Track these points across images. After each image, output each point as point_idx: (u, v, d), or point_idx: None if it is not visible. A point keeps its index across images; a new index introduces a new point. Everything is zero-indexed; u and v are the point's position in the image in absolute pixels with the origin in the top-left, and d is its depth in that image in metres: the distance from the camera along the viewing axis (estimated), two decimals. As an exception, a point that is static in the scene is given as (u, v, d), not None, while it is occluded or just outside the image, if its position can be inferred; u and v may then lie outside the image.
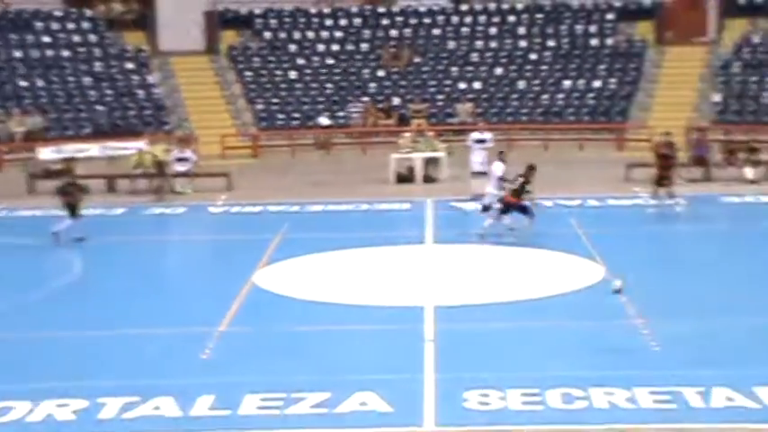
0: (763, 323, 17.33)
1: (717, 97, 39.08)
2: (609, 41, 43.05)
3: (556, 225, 25.65)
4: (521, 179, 23.71)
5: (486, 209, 24.97)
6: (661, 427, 13.28)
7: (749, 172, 30.98)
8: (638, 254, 22.72)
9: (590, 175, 33.08)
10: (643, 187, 30.24)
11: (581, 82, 41.88)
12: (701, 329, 17.14)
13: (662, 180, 26.81)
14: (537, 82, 42.45)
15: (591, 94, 41.31)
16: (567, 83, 42.02)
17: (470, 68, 43.68)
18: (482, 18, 45.40)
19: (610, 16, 43.70)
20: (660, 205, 26.90)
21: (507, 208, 23.82)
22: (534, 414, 13.66)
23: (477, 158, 29.64)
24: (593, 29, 43.66)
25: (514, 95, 42.17)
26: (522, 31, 44.45)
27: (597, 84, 41.59)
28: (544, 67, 42.93)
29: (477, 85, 42.95)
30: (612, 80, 41.52)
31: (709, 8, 43.53)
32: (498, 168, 25.08)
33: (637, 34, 43.12)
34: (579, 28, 43.79)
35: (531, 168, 23.91)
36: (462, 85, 43.04)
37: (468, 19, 45.49)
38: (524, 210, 23.65)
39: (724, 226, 25.92)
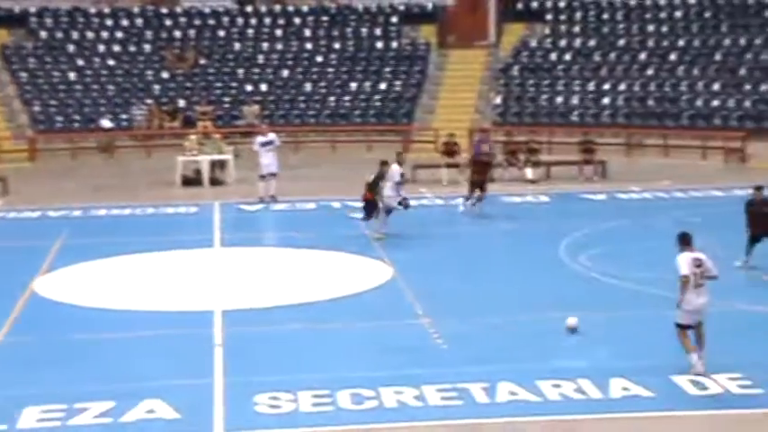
0: (543, 319, 17.93)
1: (497, 99, 40.29)
2: (393, 44, 43.75)
3: (345, 226, 25.84)
4: (373, 176, 23.96)
5: (388, 212, 24.99)
6: (448, 424, 13.55)
7: (529, 172, 32.03)
8: (425, 254, 23.13)
9: (377, 177, 33.45)
10: (429, 188, 30.85)
11: (367, 84, 42.38)
12: (486, 327, 17.59)
13: (476, 183, 27.23)
14: (323, 84, 42.72)
15: (377, 97, 41.87)
16: (353, 85, 42.46)
17: (256, 70, 43.56)
18: (267, 20, 45.34)
19: (394, 19, 44.41)
20: (473, 207, 27.29)
21: (369, 206, 23.97)
22: (325, 415, 13.70)
23: (266, 161, 29.59)
24: (377, 32, 44.27)
25: (301, 97, 42.30)
26: (307, 33, 44.64)
27: (383, 86, 42.19)
28: (330, 70, 43.24)
29: (263, 87, 42.86)
30: (398, 82, 42.21)
31: (489, 13, 44.85)
32: (396, 172, 25.01)
33: (420, 37, 43.97)
34: (364, 31, 44.33)
35: (384, 164, 24.29)
36: (249, 87, 42.87)
37: (254, 21, 45.36)
38: (371, 208, 23.78)
39: (506, 226, 26.69)
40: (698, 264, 14.93)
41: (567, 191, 30.53)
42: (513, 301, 19.12)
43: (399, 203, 24.53)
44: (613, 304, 18.88)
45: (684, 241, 15.12)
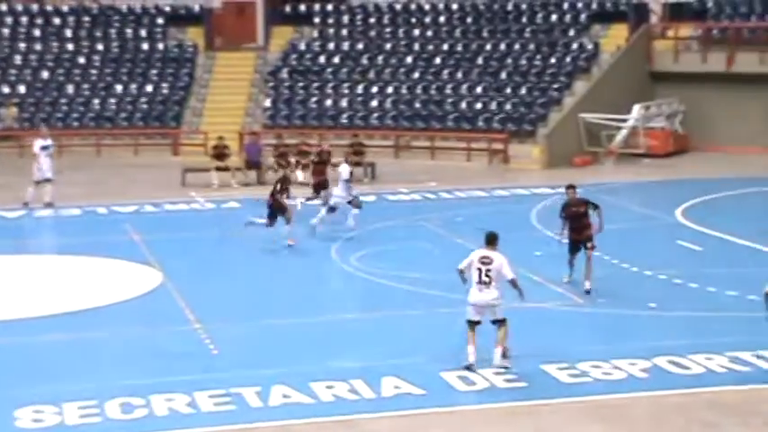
0: (316, 320, 18.00)
1: (267, 102, 40.21)
2: (159, 46, 42.98)
3: (111, 232, 25.22)
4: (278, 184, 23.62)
5: (332, 210, 24.53)
6: (220, 430, 13.39)
7: (300, 175, 32.08)
8: (196, 259, 22.82)
9: (146, 181, 32.84)
10: (199, 192, 30.48)
11: (133, 86, 41.45)
12: (259, 330, 17.53)
13: (319, 185, 26.91)
14: (87, 86, 41.51)
15: (143, 99, 41.02)
16: (118, 87, 41.45)
17: (14, 71, 41.94)
18: (24, 19, 43.75)
19: (159, 21, 43.64)
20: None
21: (272, 211, 23.45)
22: (92, 427, 13.31)
23: (44, 165, 28.58)
24: (143, 33, 43.38)
25: (63, 100, 40.98)
26: (68, 33, 43.30)
27: (149, 88, 41.38)
28: (94, 71, 42.08)
29: (21, 88, 41.31)
30: (165, 85, 41.49)
31: (257, 15, 44.69)
32: (345, 171, 24.44)
33: (187, 39, 43.38)
34: (129, 32, 43.35)
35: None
36: (6, 89, 41.23)
37: (9, 20, 43.68)
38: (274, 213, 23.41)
39: (273, 228, 26.61)
40: (484, 261, 15.35)
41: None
42: (286, 304, 19.12)
43: (350, 202, 24.36)
44: (384, 304, 19.14)
45: (487, 240, 15.58)
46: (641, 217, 25.17)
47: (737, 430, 13.45)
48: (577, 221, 19.46)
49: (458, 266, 15.59)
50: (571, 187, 20.02)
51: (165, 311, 18.62)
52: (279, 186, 23.67)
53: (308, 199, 26.41)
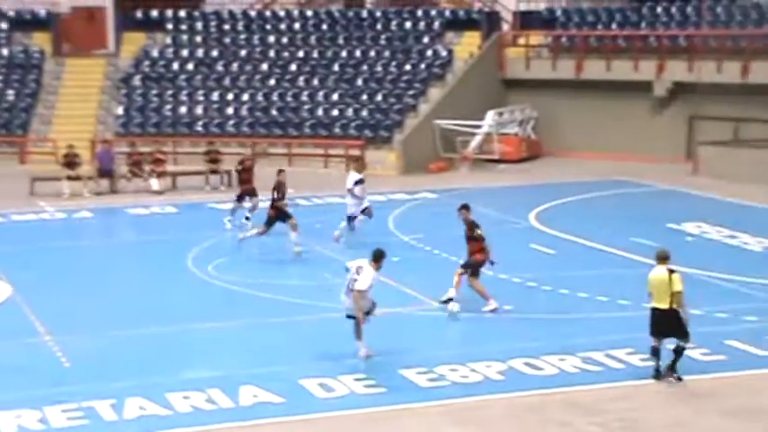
0: (173, 330, 17.74)
1: (119, 110, 39.47)
2: (4, 51, 41.79)
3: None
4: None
5: (350, 219, 24.05)
6: (74, 445, 13.08)
7: (155, 183, 31.62)
8: (47, 270, 22.24)
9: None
10: (48, 201, 29.73)
11: (-22, 94, 40.23)
12: (113, 342, 17.17)
13: (245, 194, 26.47)
14: (-71, 94, 40.13)
15: (-11, 107, 39.83)
16: (-38, 95, 40.15)
17: None
18: None
19: (3, 25, 42.45)
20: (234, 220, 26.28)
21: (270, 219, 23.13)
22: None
23: None
24: (-12, 39, 42.19)
25: None
26: None
27: (-5, 96, 40.22)
28: (-63, 78, 40.69)
29: None
30: (11, 92, 40.33)
31: (107, 21, 43.85)
32: (351, 177, 24.03)
33: (34, 45, 42.29)
34: (-26, 37, 42.08)
35: (281, 172, 23.79)
36: None
37: None
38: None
39: (133, 238, 26.19)
40: (358, 271, 15.96)
41: (195, 201, 30.42)
42: (141, 314, 18.77)
43: (363, 212, 23.98)
44: (242, 312, 18.97)
45: (374, 256, 16.03)
46: (496, 221, 25.54)
47: (591, 429, 13.75)
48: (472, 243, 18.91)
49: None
50: (465, 208, 19.27)
51: (13, 324, 18.09)
52: (276, 194, 23.30)
53: (232, 210, 26.07)
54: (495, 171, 35.15)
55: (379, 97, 37.87)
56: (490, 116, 36.29)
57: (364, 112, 37.49)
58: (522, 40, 39.78)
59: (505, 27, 40.93)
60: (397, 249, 23.26)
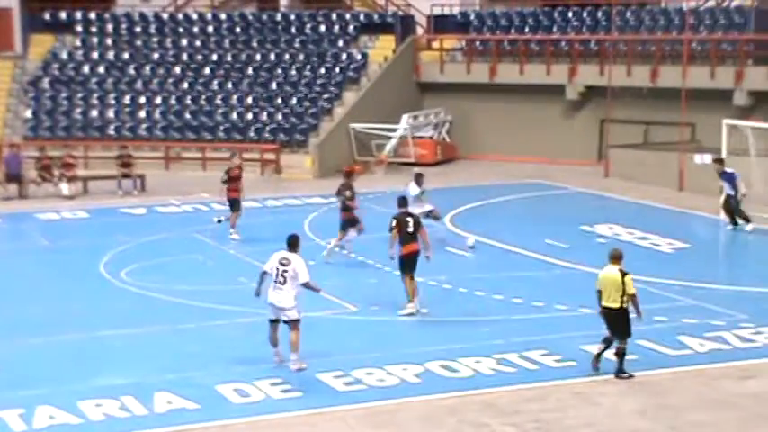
0: (85, 337, 17.50)
1: (27, 113, 38.83)
2: None
3: None
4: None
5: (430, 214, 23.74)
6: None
7: (65, 188, 31.17)
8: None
9: None
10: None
11: None
12: (23, 349, 16.88)
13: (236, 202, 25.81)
14: None
15: None
16: None
17: None
18: None
19: None
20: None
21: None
22: None
23: None
24: None
25: None
26: None
27: None
28: None
29: None
30: None
31: (14, 22, 43.06)
32: (413, 189, 23.58)
33: (-60, 47, 41.46)
34: None
35: (348, 174, 23.62)
36: None
37: None
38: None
39: (44, 244, 25.76)
40: (283, 262, 15.74)
41: (107, 206, 30.05)
42: (52, 321, 18.47)
43: (428, 215, 23.56)
44: (156, 318, 18.78)
45: (288, 242, 15.98)
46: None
47: (506, 430, 13.87)
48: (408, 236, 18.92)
49: (262, 268, 15.97)
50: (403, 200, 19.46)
51: None
52: (348, 194, 23.11)
53: (227, 218, 25.54)
54: (410, 174, 35.22)
55: (293, 101, 37.79)
56: (405, 120, 36.44)
57: (279, 116, 37.37)
58: (436, 44, 40.01)
59: (420, 31, 41.13)
60: (314, 253, 23.23)
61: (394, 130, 36.32)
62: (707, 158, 29.34)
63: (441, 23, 40.91)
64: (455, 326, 18.31)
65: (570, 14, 39.03)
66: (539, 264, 22.66)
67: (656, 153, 33.00)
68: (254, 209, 29.47)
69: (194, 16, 42.05)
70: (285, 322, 15.78)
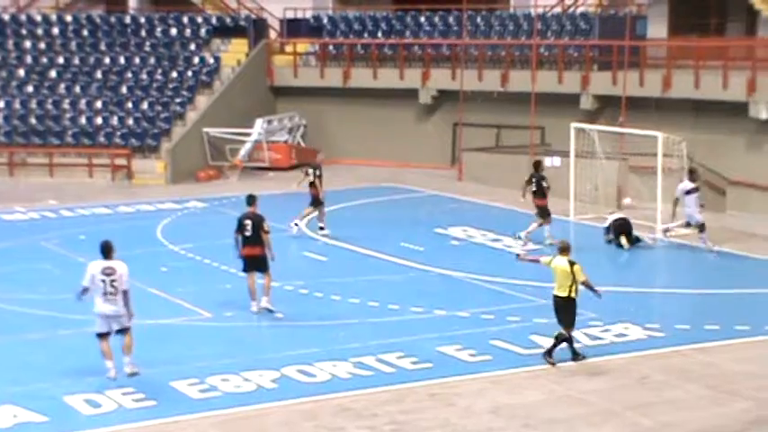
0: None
1: None
2: None
3: None
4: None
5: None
6: None
7: None
8: None
9: None
10: None
11: None
12: None
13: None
14: None
15: None
16: None
17: None
18: None
19: None
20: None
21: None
22: None
23: None
24: None
25: None
26: None
27: None
28: None
29: None
30: None
31: None
32: (685, 185, 24.11)
33: None
34: None
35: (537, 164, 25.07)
36: None
37: None
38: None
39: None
40: (107, 272, 15.30)
41: (-53, 214, 29.06)
42: None
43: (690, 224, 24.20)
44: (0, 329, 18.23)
45: (103, 250, 15.48)
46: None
47: (364, 433, 13.94)
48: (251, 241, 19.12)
49: (81, 283, 15.42)
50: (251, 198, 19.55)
51: None
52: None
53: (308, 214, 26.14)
54: (265, 179, 35.11)
55: (144, 105, 37.20)
56: (259, 124, 36.26)
57: (130, 121, 36.73)
58: (289, 48, 39.94)
59: (273, 34, 40.99)
60: (167, 259, 22.96)
61: (248, 135, 36.10)
62: (556, 161, 30.01)
63: (294, 27, 40.85)
64: (312, 330, 18.30)
65: (422, 19, 39.44)
66: (394, 267, 22.82)
67: (507, 156, 33.58)
68: (106, 215, 28.93)
69: (38, 18, 40.99)
70: (118, 331, 15.47)
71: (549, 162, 30.50)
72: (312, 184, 25.84)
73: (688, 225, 24.29)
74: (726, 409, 14.73)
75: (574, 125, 28.33)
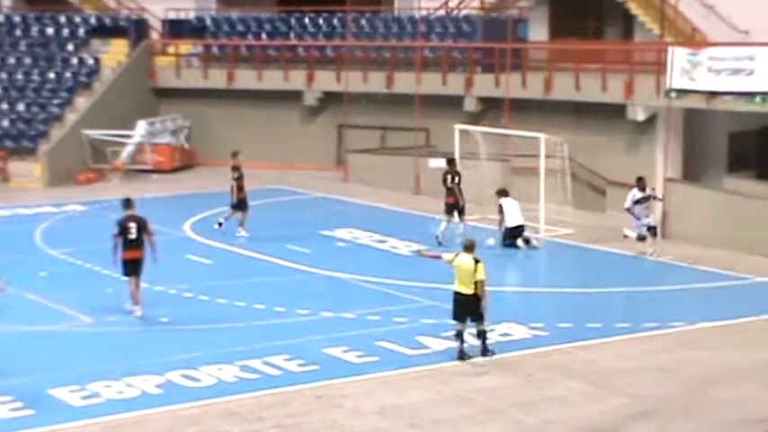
0: None
1: None
2: None
3: None
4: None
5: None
6: None
7: None
8: None
9: None
10: None
11: None
12: None
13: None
14: None
15: None
16: None
17: None
18: None
19: None
20: None
21: None
22: None
23: None
24: None
25: None
26: None
27: None
28: None
29: None
30: None
31: None
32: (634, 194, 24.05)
33: None
34: None
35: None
36: None
37: None
38: None
39: None
40: None
41: None
42: None
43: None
44: None
45: None
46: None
47: (250, 437, 13.88)
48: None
49: None
50: (128, 202, 19.48)
51: None
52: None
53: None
54: (148, 181, 34.69)
55: (21, 106, 36.41)
56: (142, 126, 35.80)
57: (5, 122, 35.91)
58: (171, 49, 39.52)
59: (155, 35, 40.50)
60: (46, 264, 22.55)
61: (130, 137, 35.62)
62: (441, 162, 30.30)
63: (176, 28, 40.40)
64: (197, 334, 18.16)
65: (307, 21, 39.39)
66: (280, 269, 22.78)
67: (392, 158, 33.78)
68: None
69: None
70: None
71: (434, 164, 30.79)
72: (235, 187, 25.73)
73: (642, 239, 23.87)
74: (606, 405, 15.07)
75: (458, 127, 28.63)
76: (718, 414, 14.71)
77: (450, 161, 25.94)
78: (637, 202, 23.87)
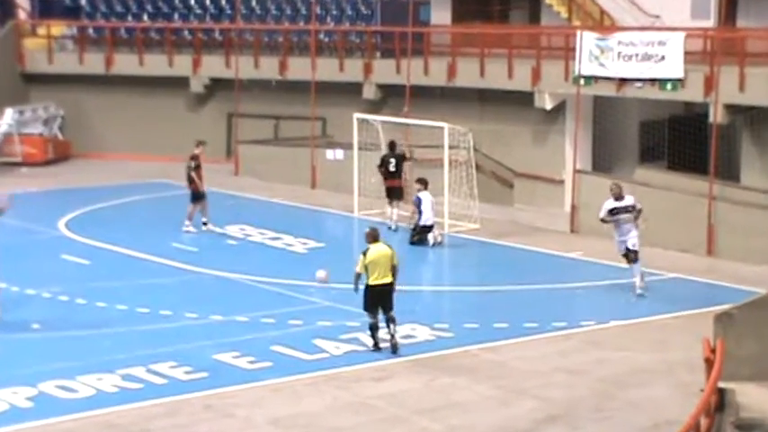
0: None
1: None
2: None
3: None
4: None
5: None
6: None
7: None
8: None
9: None
10: None
11: None
12: None
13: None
14: None
15: None
16: None
17: None
18: None
19: None
20: None
21: None
22: None
23: None
24: None
25: None
26: None
27: None
28: None
29: None
30: None
31: None
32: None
33: None
34: None
35: None
36: None
37: None
38: None
39: None
40: None
41: None
42: None
43: None
44: None
45: None
46: (20, 231, 24.76)
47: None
48: None
49: None
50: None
51: None
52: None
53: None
54: (18, 175, 34.09)
55: None
56: (9, 114, 35.18)
57: None
58: (42, 31, 38.82)
59: (22, 14, 39.74)
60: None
61: (-3, 127, 35.00)
62: (339, 154, 30.34)
63: (47, 7, 39.64)
64: (73, 341, 17.90)
65: (192, 2, 39.05)
66: (166, 269, 22.59)
67: (287, 149, 33.70)
68: None
69: None
70: None
71: (332, 155, 30.82)
72: (190, 180, 25.77)
73: (628, 258, 20.95)
74: (514, 409, 15.24)
75: (357, 116, 28.68)
76: (629, 416, 14.98)
77: (392, 145, 26.61)
78: (612, 211, 20.96)
